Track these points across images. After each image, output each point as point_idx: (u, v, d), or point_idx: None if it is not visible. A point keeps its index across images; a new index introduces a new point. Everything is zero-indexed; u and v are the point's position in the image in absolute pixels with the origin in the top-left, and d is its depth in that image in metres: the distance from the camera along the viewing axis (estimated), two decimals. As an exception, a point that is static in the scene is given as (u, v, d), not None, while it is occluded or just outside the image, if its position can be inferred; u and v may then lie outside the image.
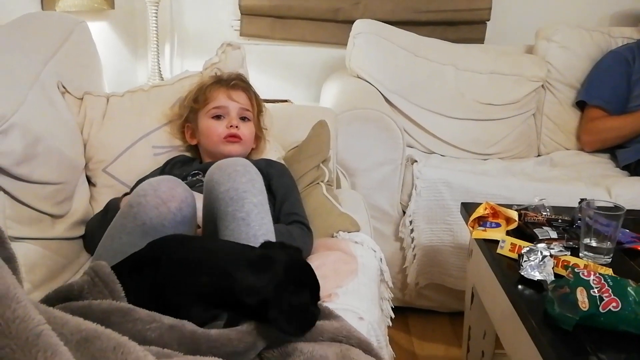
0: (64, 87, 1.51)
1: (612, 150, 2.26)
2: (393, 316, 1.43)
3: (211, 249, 0.96)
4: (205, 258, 0.93)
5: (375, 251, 1.42)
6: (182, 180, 1.40)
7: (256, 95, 1.58)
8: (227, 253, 0.95)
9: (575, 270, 1.07)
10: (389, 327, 1.37)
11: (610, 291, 1.01)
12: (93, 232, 1.36)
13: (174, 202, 1.04)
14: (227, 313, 0.91)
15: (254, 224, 1.05)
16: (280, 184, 1.41)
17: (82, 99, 1.55)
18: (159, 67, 2.46)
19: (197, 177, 1.40)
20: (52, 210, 1.31)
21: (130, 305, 0.83)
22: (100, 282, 0.84)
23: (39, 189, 1.27)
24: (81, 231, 1.39)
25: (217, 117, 1.49)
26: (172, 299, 0.88)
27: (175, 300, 0.88)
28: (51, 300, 0.84)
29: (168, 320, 0.82)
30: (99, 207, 1.46)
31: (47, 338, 0.58)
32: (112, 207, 1.33)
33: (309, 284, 0.94)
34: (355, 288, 1.21)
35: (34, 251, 1.23)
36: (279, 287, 0.87)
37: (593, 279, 1.03)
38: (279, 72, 2.74)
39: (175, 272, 0.91)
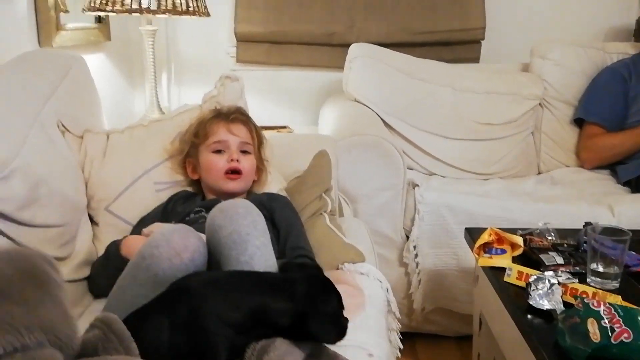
0: (63, 126, 1.50)
1: (612, 166, 2.26)
2: (402, 347, 1.42)
3: (234, 280, 1.00)
4: (232, 288, 0.96)
5: (381, 282, 1.42)
6: (185, 217, 1.41)
7: (256, 128, 1.58)
8: (251, 281, 0.99)
9: (585, 300, 1.06)
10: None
11: (621, 322, 1.00)
12: (95, 277, 1.36)
13: (186, 252, 1.03)
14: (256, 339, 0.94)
15: (258, 267, 1.05)
16: (283, 217, 1.40)
17: (82, 137, 1.55)
18: (157, 97, 2.46)
19: (200, 214, 1.40)
20: (55, 253, 1.29)
21: None
22: (115, 337, 0.83)
23: (42, 233, 1.26)
24: (85, 272, 1.37)
25: (218, 151, 1.48)
26: (202, 326, 0.90)
27: (206, 328, 0.90)
28: None
29: None
30: (102, 246, 1.44)
31: None
32: (112, 253, 1.32)
33: (334, 293, 0.99)
34: (362, 322, 1.20)
35: (37, 295, 1.22)
36: (311, 300, 0.93)
37: (603, 310, 1.02)
38: (276, 97, 2.75)
39: (202, 302, 0.93)
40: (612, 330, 1.00)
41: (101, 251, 1.43)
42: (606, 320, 1.01)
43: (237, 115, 1.54)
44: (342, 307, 0.99)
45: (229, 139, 1.49)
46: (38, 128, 1.37)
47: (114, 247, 1.32)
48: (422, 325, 2.06)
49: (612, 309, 1.02)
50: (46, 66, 1.57)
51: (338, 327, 0.96)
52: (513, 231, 1.48)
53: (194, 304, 0.92)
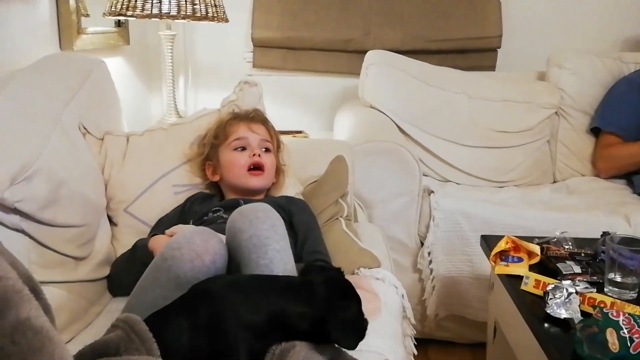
0: (84, 128, 1.53)
1: (628, 176, 2.25)
2: (416, 353, 1.42)
3: (254, 283, 1.00)
4: (252, 291, 0.97)
5: (397, 287, 1.42)
6: (203, 216, 1.42)
7: (274, 130, 1.60)
8: (272, 285, 0.99)
9: (604, 310, 1.06)
10: (410, 361, 1.37)
11: (640, 332, 1.00)
12: (119, 273, 1.37)
13: (208, 255, 1.04)
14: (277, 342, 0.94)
15: (278, 271, 1.05)
16: (301, 221, 1.41)
17: (102, 139, 1.57)
18: (175, 100, 2.48)
19: (218, 213, 1.41)
20: (75, 253, 1.31)
21: None
22: (137, 338, 0.84)
23: (62, 233, 1.28)
24: (104, 272, 1.39)
25: (239, 149, 1.50)
26: (222, 329, 0.91)
27: (227, 331, 0.91)
28: (86, 355, 0.83)
29: None
30: (120, 247, 1.47)
31: None
32: (139, 247, 1.33)
33: (354, 297, 0.99)
34: (378, 327, 1.21)
35: (57, 294, 1.24)
36: (330, 306, 0.93)
37: (622, 320, 1.02)
38: (292, 102, 2.76)
39: (223, 305, 0.93)
40: (632, 340, 0.99)
41: (120, 251, 1.46)
42: (625, 331, 1.01)
43: (256, 115, 1.56)
44: (361, 311, 1.00)
45: (250, 136, 1.51)
46: (60, 130, 1.39)
47: (141, 242, 1.34)
48: (435, 332, 2.05)
49: (632, 319, 1.02)
50: (68, 69, 1.59)
51: (358, 332, 0.96)
52: (529, 239, 1.47)
53: (215, 306, 0.93)
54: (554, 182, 2.37)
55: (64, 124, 1.42)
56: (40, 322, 0.63)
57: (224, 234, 1.12)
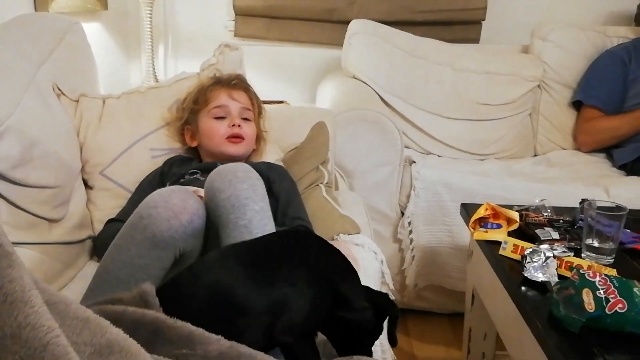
0: (59, 89, 1.49)
1: (609, 150, 2.26)
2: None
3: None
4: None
5: (376, 253, 1.42)
6: (180, 178, 1.40)
7: (256, 97, 1.57)
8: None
9: (581, 271, 1.06)
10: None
11: (616, 292, 1.00)
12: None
13: (185, 214, 1.02)
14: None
15: (257, 232, 1.04)
16: (281, 188, 1.40)
17: (77, 101, 1.53)
18: (154, 68, 2.44)
19: (195, 176, 1.39)
20: (49, 215, 1.29)
21: (170, 321, 0.80)
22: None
23: (35, 193, 1.25)
24: (79, 235, 1.36)
25: (219, 118, 1.47)
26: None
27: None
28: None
29: (217, 345, 0.79)
30: (96, 210, 1.44)
31: (55, 347, 0.57)
32: None
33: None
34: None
35: (30, 256, 1.21)
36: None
37: (599, 280, 1.02)
38: (274, 72, 2.73)
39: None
40: (607, 300, 1.00)
41: (96, 215, 1.43)
42: (601, 291, 1.01)
43: (238, 82, 1.53)
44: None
45: (230, 105, 1.48)
46: (33, 90, 1.36)
47: None
48: (414, 302, 2.06)
49: (608, 280, 1.02)
50: (42, 29, 1.54)
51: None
52: (509, 207, 1.47)
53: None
54: (535, 155, 2.38)
55: (37, 84, 1.39)
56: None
57: None
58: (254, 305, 0.86)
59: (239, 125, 1.46)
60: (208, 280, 0.89)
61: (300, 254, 0.94)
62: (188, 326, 0.80)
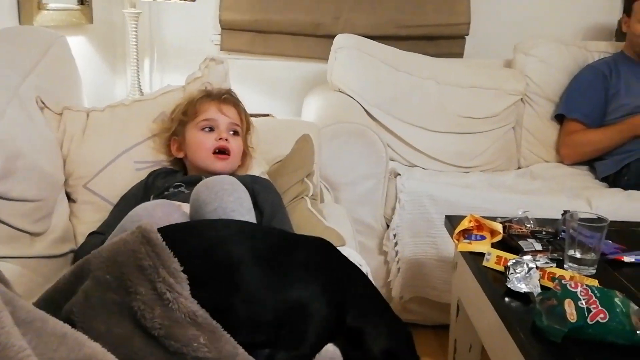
0: (42, 102, 1.48)
1: (591, 162, 2.29)
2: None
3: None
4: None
5: (361, 265, 1.41)
6: (164, 191, 1.39)
7: (245, 113, 1.57)
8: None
9: (563, 282, 1.07)
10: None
11: (597, 302, 1.01)
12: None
13: None
14: None
15: None
16: (266, 200, 1.39)
17: (61, 114, 1.52)
18: (139, 82, 2.43)
19: (179, 189, 1.38)
20: (30, 228, 1.27)
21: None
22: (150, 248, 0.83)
23: (17, 206, 1.24)
24: (61, 249, 1.35)
25: (207, 129, 1.47)
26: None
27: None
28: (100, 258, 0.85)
29: None
30: (80, 223, 1.43)
31: None
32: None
33: None
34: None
35: (10, 270, 1.19)
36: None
37: (580, 291, 1.03)
38: (260, 86, 2.74)
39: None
40: (589, 310, 1.01)
41: (79, 228, 1.42)
42: (583, 301, 1.02)
43: (228, 97, 1.53)
44: None
45: (219, 119, 1.48)
46: (16, 103, 1.35)
47: None
48: (400, 314, 2.01)
49: (589, 290, 1.03)
50: (26, 42, 1.54)
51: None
52: (493, 219, 1.48)
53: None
54: (519, 168, 2.40)
55: (21, 96, 1.38)
56: None
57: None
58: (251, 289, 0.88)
59: (226, 139, 1.46)
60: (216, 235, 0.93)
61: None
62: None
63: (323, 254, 0.96)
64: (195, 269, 0.86)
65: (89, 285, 0.85)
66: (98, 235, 1.28)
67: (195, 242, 0.92)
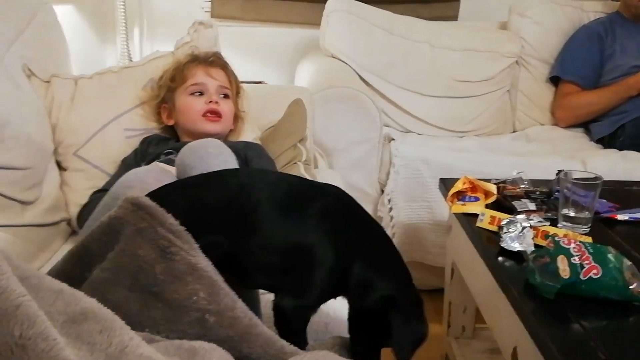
0: (29, 70, 1.46)
1: (586, 124, 2.28)
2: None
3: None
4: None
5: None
6: (155, 158, 1.38)
7: (234, 75, 1.55)
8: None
9: (556, 239, 1.07)
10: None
11: (590, 258, 1.01)
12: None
13: None
14: None
15: None
16: (259, 165, 1.38)
17: (49, 81, 1.50)
18: (129, 51, 2.40)
19: (170, 156, 1.37)
20: (21, 197, 1.27)
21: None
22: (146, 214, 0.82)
23: (6, 175, 1.23)
24: (53, 217, 1.35)
25: (196, 93, 1.45)
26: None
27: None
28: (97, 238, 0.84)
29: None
30: (71, 191, 1.42)
31: (26, 309, 0.57)
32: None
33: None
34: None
35: (2, 238, 1.19)
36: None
37: (573, 247, 1.03)
38: (252, 53, 2.70)
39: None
40: (582, 266, 1.00)
41: (70, 196, 1.41)
42: (576, 257, 1.02)
43: (215, 59, 1.51)
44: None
45: (208, 82, 1.46)
46: (2, 71, 1.33)
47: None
48: (395, 279, 2.06)
49: (582, 247, 1.03)
50: (11, 10, 1.51)
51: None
52: (487, 180, 1.48)
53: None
54: (514, 131, 2.39)
55: (7, 65, 1.37)
56: None
57: None
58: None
59: (216, 102, 1.44)
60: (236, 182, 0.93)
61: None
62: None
63: (340, 204, 0.95)
64: (213, 217, 0.87)
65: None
66: (102, 194, 1.27)
67: (216, 189, 0.92)
